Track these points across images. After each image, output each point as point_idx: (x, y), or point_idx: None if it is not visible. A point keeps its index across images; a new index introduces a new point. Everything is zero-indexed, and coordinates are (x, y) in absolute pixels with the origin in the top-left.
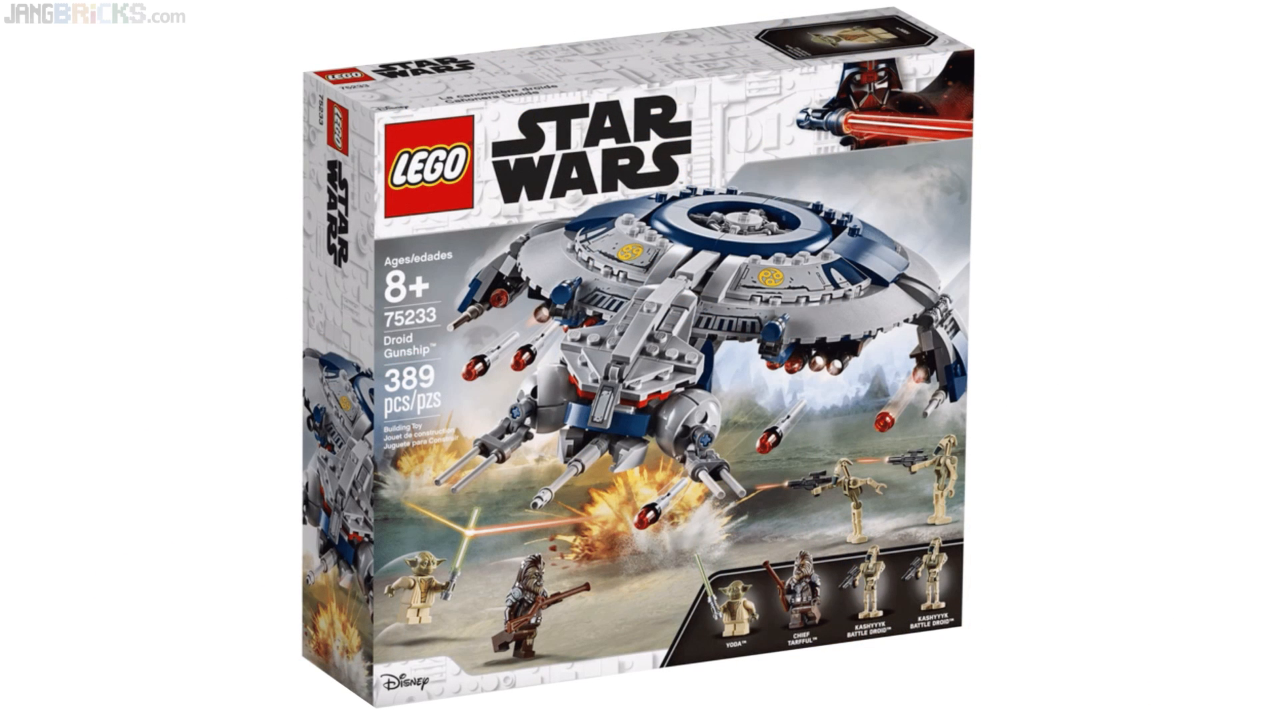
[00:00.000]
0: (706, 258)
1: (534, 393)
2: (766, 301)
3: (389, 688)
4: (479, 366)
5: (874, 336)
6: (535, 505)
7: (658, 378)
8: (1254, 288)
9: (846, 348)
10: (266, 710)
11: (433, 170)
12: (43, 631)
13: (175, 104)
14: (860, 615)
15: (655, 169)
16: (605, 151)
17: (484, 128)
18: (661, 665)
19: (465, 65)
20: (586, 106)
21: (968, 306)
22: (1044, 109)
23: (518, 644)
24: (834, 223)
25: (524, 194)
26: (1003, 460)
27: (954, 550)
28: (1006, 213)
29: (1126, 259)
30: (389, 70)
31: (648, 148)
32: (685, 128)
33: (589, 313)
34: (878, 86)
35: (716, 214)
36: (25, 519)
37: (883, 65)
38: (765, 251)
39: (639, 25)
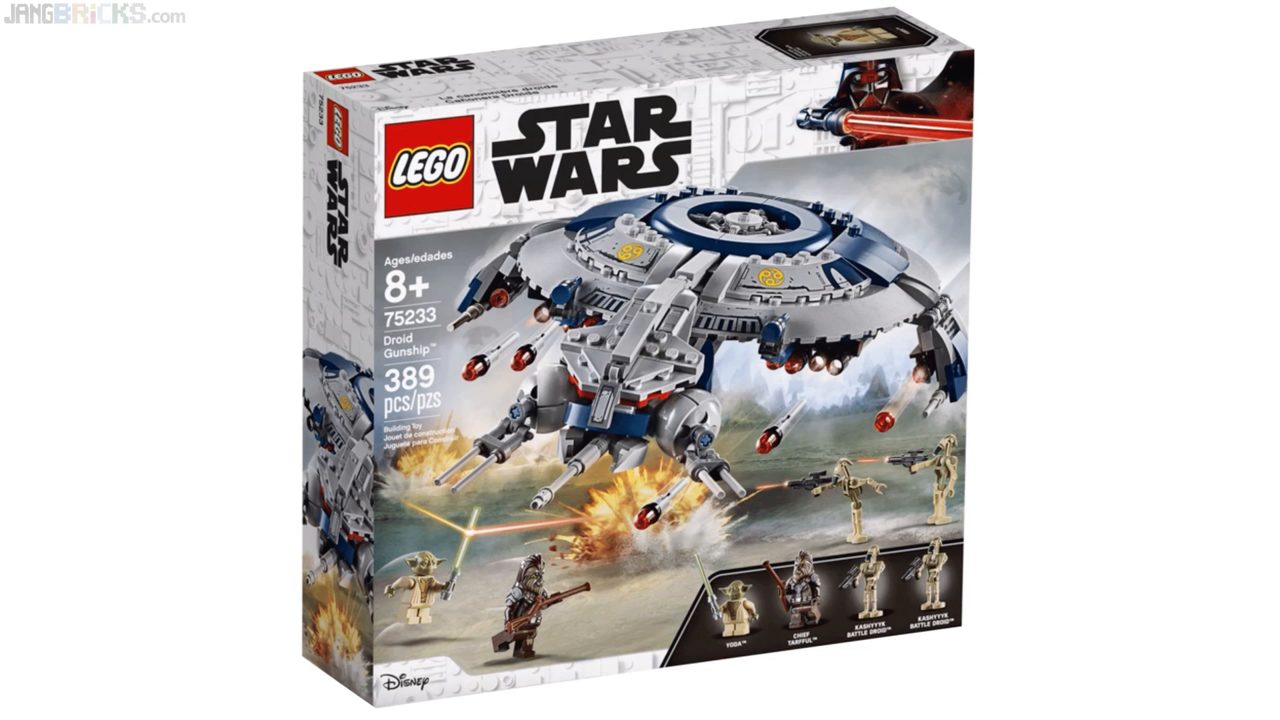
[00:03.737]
0: (706, 258)
1: (534, 393)
2: (766, 301)
3: (389, 688)
4: (479, 366)
5: (874, 336)
6: (535, 505)
7: (658, 378)
8: (1253, 287)
9: (846, 348)
10: (266, 710)
11: (433, 170)
12: (43, 632)
13: (175, 104)
14: (860, 615)
15: (655, 169)
16: (605, 151)
17: (484, 128)
18: (661, 665)
19: (465, 65)
20: (586, 106)
21: (968, 306)
22: (1044, 109)
23: (518, 644)
24: (834, 223)
25: (524, 194)
26: (1003, 460)
27: (954, 550)
28: (1006, 213)
29: (1126, 259)
30: (389, 70)
31: (648, 148)
32: (685, 128)
33: (589, 313)
34: (878, 86)
35: (716, 214)
36: (25, 519)
37: (883, 65)
38: (765, 251)
39: (639, 25)
